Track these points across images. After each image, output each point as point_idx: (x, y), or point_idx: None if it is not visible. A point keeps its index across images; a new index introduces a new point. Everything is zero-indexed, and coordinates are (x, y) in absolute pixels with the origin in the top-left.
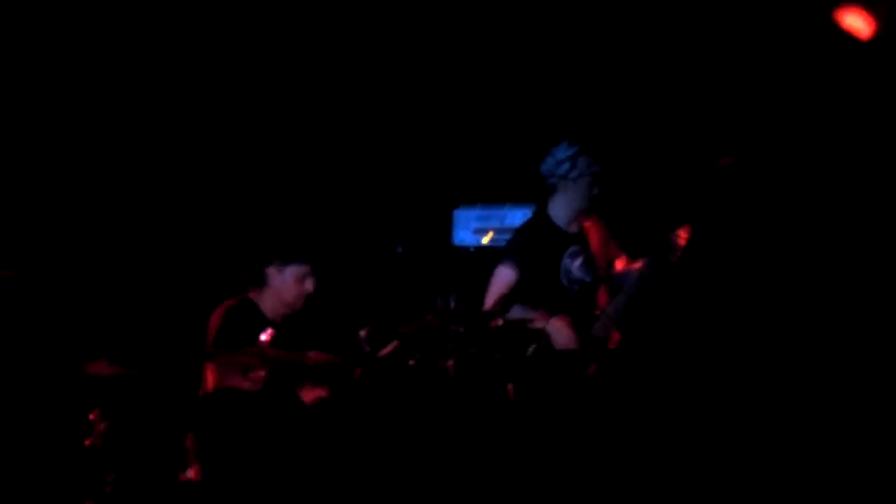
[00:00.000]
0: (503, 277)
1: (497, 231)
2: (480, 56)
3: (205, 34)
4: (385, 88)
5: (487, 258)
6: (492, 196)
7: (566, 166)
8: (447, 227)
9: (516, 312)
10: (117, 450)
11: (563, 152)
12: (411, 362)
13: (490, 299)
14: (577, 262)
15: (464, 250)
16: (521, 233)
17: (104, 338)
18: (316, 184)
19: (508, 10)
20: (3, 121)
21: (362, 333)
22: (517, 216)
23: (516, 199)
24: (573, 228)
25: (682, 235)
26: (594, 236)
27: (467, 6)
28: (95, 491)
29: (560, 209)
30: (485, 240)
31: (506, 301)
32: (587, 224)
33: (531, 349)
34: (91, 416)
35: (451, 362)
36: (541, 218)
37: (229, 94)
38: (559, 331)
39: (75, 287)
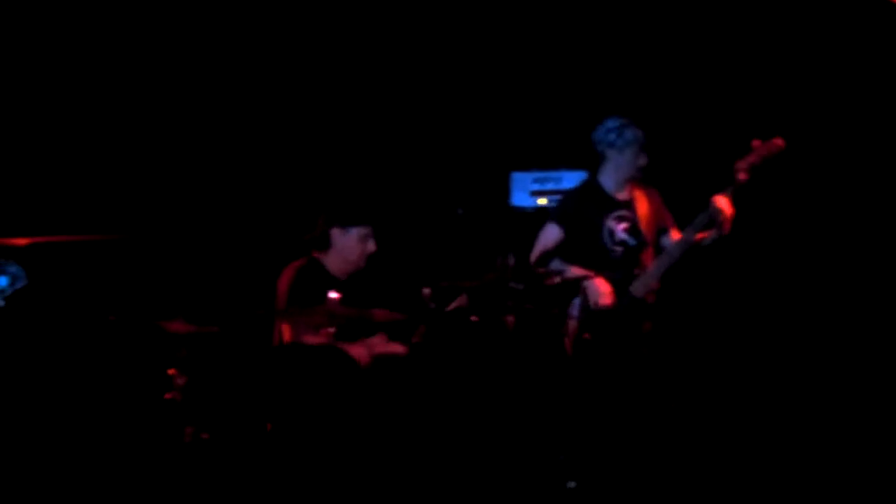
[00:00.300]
0: (549, 234)
1: (553, 193)
2: (543, 23)
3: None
4: (447, 55)
5: (543, 219)
6: (548, 160)
7: (613, 135)
8: (505, 189)
9: (556, 267)
10: (195, 403)
11: (611, 122)
12: (473, 318)
13: (534, 253)
14: (622, 225)
15: (521, 211)
16: (570, 194)
17: (181, 297)
18: (381, 148)
19: None
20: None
21: (426, 291)
22: (572, 179)
23: (572, 164)
24: (622, 195)
25: (722, 203)
26: (643, 204)
27: None
28: (174, 443)
29: (608, 176)
30: (541, 201)
31: (549, 256)
32: (637, 192)
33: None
34: (170, 372)
35: (510, 318)
36: (590, 182)
37: (296, 69)
38: (594, 286)
39: (154, 248)
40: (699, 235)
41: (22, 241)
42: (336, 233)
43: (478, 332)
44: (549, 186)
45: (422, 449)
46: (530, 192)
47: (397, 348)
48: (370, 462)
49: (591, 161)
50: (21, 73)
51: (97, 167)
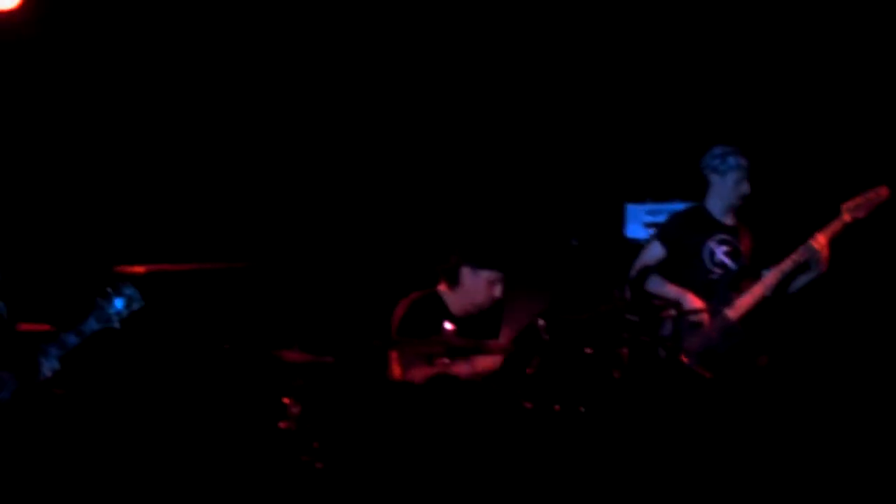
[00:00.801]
0: (651, 251)
1: None
2: (657, 55)
3: None
4: (560, 87)
5: None
6: (663, 192)
7: (717, 161)
8: (619, 220)
9: (653, 283)
10: (310, 432)
11: (717, 149)
12: (587, 350)
13: (634, 269)
14: (724, 248)
15: (635, 243)
16: (677, 214)
17: (297, 326)
18: (498, 180)
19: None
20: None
21: (540, 323)
22: None
23: (685, 196)
24: (728, 220)
25: (822, 241)
26: (746, 238)
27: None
28: (289, 471)
29: (714, 201)
30: None
31: (648, 272)
32: (743, 227)
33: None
34: (285, 401)
35: (625, 350)
36: (698, 206)
37: (428, 108)
38: (691, 303)
39: (271, 277)
40: (794, 266)
41: (140, 269)
42: (466, 272)
43: (591, 364)
44: (663, 218)
45: (535, 479)
46: (644, 223)
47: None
48: (485, 491)
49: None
50: (136, 102)
51: (214, 196)
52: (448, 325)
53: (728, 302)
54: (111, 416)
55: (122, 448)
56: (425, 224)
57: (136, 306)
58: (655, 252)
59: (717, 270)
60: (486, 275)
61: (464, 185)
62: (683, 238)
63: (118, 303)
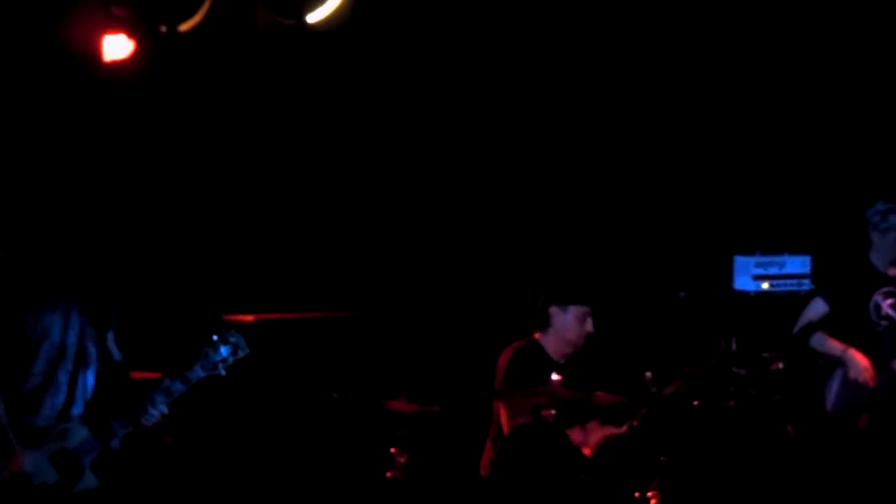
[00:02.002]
0: (815, 308)
1: (775, 278)
2: (763, 110)
3: None
4: (673, 138)
5: (766, 303)
6: (772, 244)
7: (878, 218)
8: (728, 273)
9: (817, 340)
10: (416, 482)
11: (880, 205)
12: (695, 403)
13: (797, 326)
14: (890, 301)
15: (743, 295)
16: (839, 269)
17: (404, 376)
18: (605, 231)
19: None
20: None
21: (648, 375)
22: (795, 264)
23: (795, 249)
24: (893, 272)
25: None
26: None
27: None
28: None
29: (876, 255)
30: (764, 286)
31: (811, 329)
32: None
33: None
34: (392, 451)
35: (732, 403)
36: (861, 259)
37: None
38: (855, 360)
39: (378, 327)
40: None
41: (249, 318)
42: (555, 311)
43: (698, 416)
44: (772, 271)
45: None
46: (753, 276)
47: (615, 431)
48: None
49: (815, 245)
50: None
51: (322, 247)
52: (555, 376)
53: (894, 356)
54: (219, 465)
55: (230, 497)
56: (526, 271)
57: (241, 354)
58: (819, 308)
59: (883, 324)
60: (574, 310)
61: (573, 235)
62: (847, 292)
63: (224, 350)
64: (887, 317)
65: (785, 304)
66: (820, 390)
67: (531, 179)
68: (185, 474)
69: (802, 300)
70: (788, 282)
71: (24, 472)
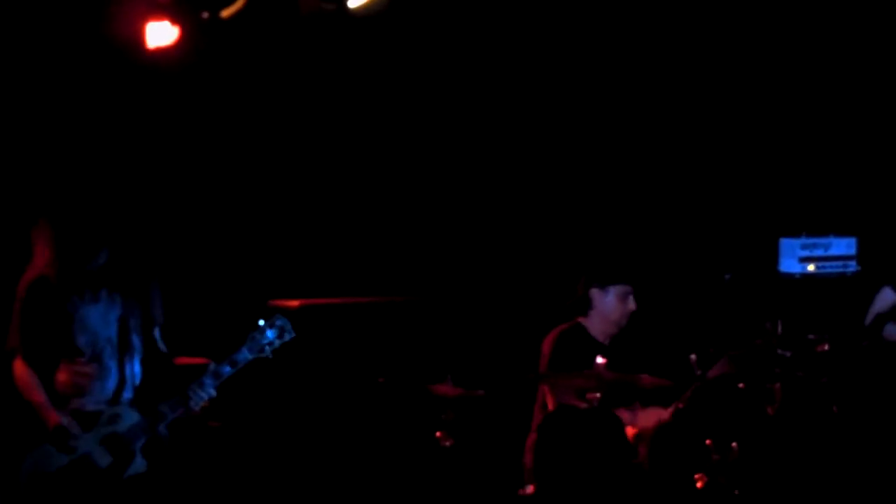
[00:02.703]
0: (885, 297)
1: (821, 259)
2: (807, 91)
3: None
4: (714, 118)
5: (812, 286)
6: (818, 226)
7: None
8: (774, 255)
9: (890, 331)
10: (462, 466)
11: None
12: (740, 385)
13: (868, 317)
14: None
15: (789, 277)
16: None
17: (449, 360)
18: (651, 213)
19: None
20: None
21: (693, 357)
22: (841, 246)
23: (841, 230)
24: None
25: None
26: None
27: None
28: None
29: None
30: (810, 268)
31: (883, 319)
32: None
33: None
34: (437, 434)
35: (778, 385)
36: None
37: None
38: None
39: (424, 311)
40: None
41: (294, 303)
42: (595, 293)
43: (744, 399)
44: (818, 253)
45: None
46: (799, 258)
47: (661, 415)
48: None
49: (861, 227)
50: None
51: (368, 231)
52: (600, 359)
53: None
54: (265, 450)
55: (276, 480)
56: (572, 254)
57: (287, 337)
58: (888, 298)
59: None
60: (614, 290)
61: (620, 217)
62: None
63: (270, 334)
64: None
65: (831, 286)
66: (869, 373)
67: (576, 163)
68: (232, 459)
69: (848, 282)
70: (834, 263)
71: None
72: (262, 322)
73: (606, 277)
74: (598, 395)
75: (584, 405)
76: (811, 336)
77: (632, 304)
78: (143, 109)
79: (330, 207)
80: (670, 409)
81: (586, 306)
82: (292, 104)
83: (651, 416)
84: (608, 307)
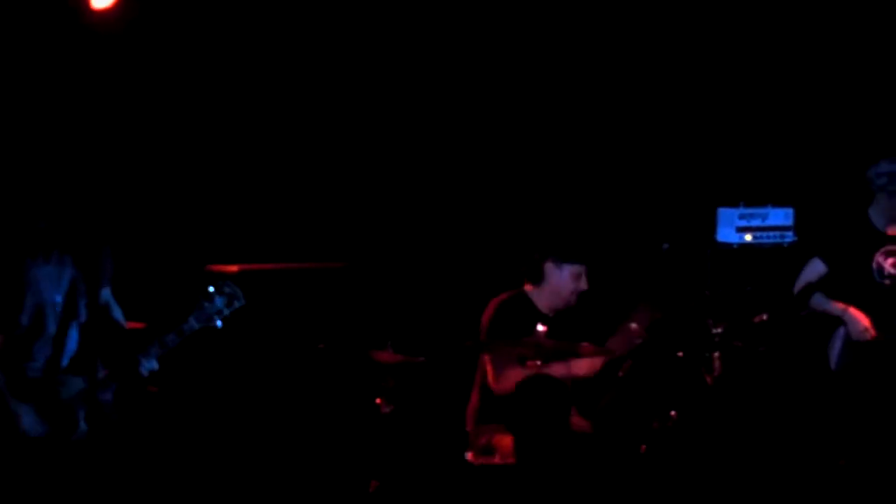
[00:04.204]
0: (813, 268)
1: (759, 230)
2: (742, 61)
3: None
4: (654, 92)
5: (749, 256)
6: (755, 196)
7: (884, 180)
8: (711, 224)
9: (817, 301)
10: (401, 432)
11: (885, 165)
12: (679, 354)
13: (796, 287)
14: (891, 260)
15: (726, 247)
16: (836, 229)
17: (390, 327)
18: (589, 183)
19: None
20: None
21: (633, 327)
22: (778, 216)
23: (778, 201)
24: (893, 230)
25: None
26: None
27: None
28: (381, 471)
29: (877, 214)
30: (747, 237)
31: (811, 290)
32: None
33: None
34: (377, 401)
35: (716, 354)
36: (860, 218)
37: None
38: (856, 319)
39: (365, 277)
40: None
41: (233, 268)
42: (550, 267)
43: (684, 368)
44: (755, 223)
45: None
46: (736, 227)
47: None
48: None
49: (799, 197)
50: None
51: (309, 196)
52: (540, 327)
53: None
54: (205, 415)
55: (215, 446)
56: (513, 224)
57: (237, 305)
58: (817, 269)
59: (887, 283)
60: (569, 268)
61: (557, 188)
62: (847, 252)
63: (219, 301)
64: (891, 276)
65: (768, 256)
66: (812, 343)
67: (516, 134)
68: (171, 424)
69: (785, 252)
70: (772, 234)
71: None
72: (211, 288)
73: (564, 255)
74: (538, 362)
75: (523, 374)
76: (749, 306)
77: (584, 284)
78: (88, 71)
79: (270, 172)
80: (602, 358)
81: (538, 278)
82: (232, 65)
83: (583, 365)
84: (560, 283)
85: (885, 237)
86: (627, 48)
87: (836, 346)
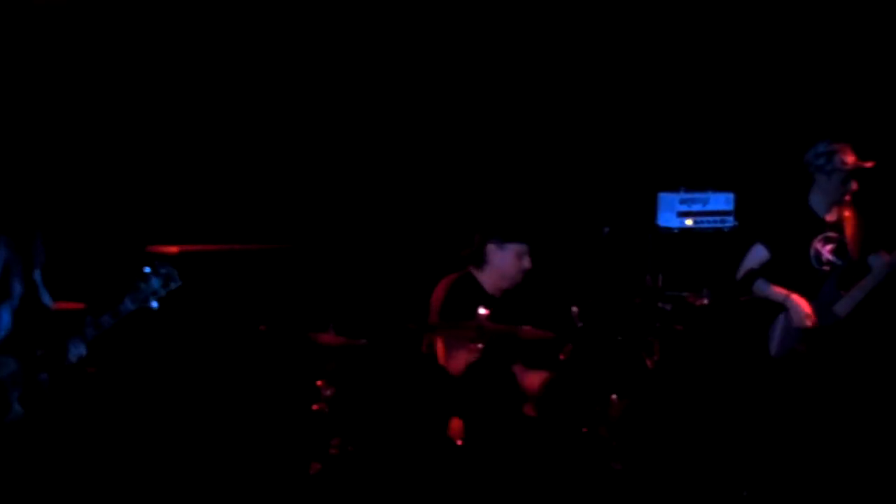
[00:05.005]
0: (755, 254)
1: (699, 214)
2: (691, 48)
3: None
4: (597, 77)
5: (690, 240)
6: (696, 181)
7: (822, 160)
8: (652, 209)
9: (759, 286)
10: (342, 415)
11: (822, 147)
12: (620, 338)
13: (739, 273)
14: (829, 246)
15: (667, 232)
16: (777, 214)
17: (332, 309)
18: (532, 167)
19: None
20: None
21: (574, 310)
22: (719, 201)
23: (719, 186)
24: (831, 216)
25: None
26: (851, 225)
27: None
28: (321, 453)
29: (817, 198)
30: (688, 222)
31: (753, 276)
32: (847, 213)
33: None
34: (318, 383)
35: (657, 339)
36: (800, 203)
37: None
38: (797, 306)
39: (307, 260)
40: None
41: (173, 249)
42: (492, 248)
43: (624, 351)
44: (696, 207)
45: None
46: (677, 212)
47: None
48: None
49: (738, 183)
50: (172, 82)
51: (251, 178)
52: (482, 310)
53: (837, 299)
54: (144, 396)
55: (153, 428)
56: (453, 206)
57: (173, 286)
58: (759, 254)
59: (825, 269)
60: (512, 248)
61: (499, 170)
62: (787, 238)
63: (155, 282)
64: (829, 262)
65: (709, 240)
66: (752, 328)
67: (459, 117)
68: (109, 405)
69: (726, 237)
70: (712, 218)
71: None
72: (147, 269)
73: (505, 235)
74: (480, 346)
75: (470, 356)
76: (689, 290)
77: (527, 263)
78: (25, 48)
79: (210, 153)
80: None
81: (481, 260)
82: (164, 41)
83: (535, 378)
84: (504, 263)
85: (823, 223)
86: (570, 32)
87: (777, 331)
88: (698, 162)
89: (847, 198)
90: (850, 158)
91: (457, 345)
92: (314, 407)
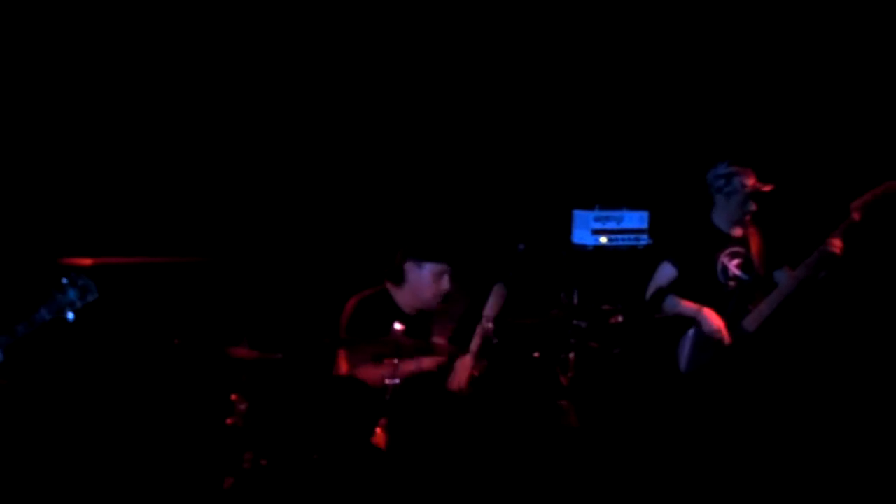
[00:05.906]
0: (663, 273)
1: (613, 232)
2: (609, 62)
3: None
4: (512, 93)
5: (604, 257)
6: (610, 199)
7: (722, 182)
8: (567, 226)
9: (670, 304)
10: (256, 429)
11: (722, 168)
12: (535, 354)
13: (648, 291)
14: (736, 261)
15: (582, 249)
16: (683, 232)
17: (246, 322)
18: (446, 182)
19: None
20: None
21: (489, 326)
22: (633, 219)
23: (633, 204)
24: (736, 232)
25: (837, 244)
26: (756, 240)
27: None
28: (234, 467)
29: (719, 216)
30: (602, 240)
31: (663, 294)
32: (752, 229)
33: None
34: (232, 397)
35: (572, 355)
36: (704, 220)
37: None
38: (709, 320)
39: (221, 273)
40: (809, 272)
41: (87, 261)
42: (410, 267)
43: (539, 368)
44: (611, 225)
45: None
46: (592, 230)
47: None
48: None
49: (653, 201)
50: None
51: (165, 190)
52: (398, 326)
53: (744, 314)
54: (56, 409)
55: (64, 441)
56: (372, 222)
57: (90, 298)
58: (667, 273)
59: (732, 284)
60: (430, 268)
61: (416, 186)
62: (694, 255)
63: (72, 293)
64: (735, 277)
65: (623, 258)
66: (662, 345)
67: (377, 133)
68: (19, 418)
69: (640, 254)
70: (627, 236)
71: None
72: (65, 280)
73: (423, 254)
74: (395, 361)
75: (378, 373)
76: (605, 307)
77: (445, 284)
78: None
79: (128, 164)
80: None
81: (399, 278)
82: (86, 48)
83: (430, 362)
84: (421, 283)
85: (729, 238)
86: (487, 49)
87: (686, 347)
88: (613, 180)
89: (747, 218)
90: (749, 181)
91: (365, 361)
92: (228, 421)
